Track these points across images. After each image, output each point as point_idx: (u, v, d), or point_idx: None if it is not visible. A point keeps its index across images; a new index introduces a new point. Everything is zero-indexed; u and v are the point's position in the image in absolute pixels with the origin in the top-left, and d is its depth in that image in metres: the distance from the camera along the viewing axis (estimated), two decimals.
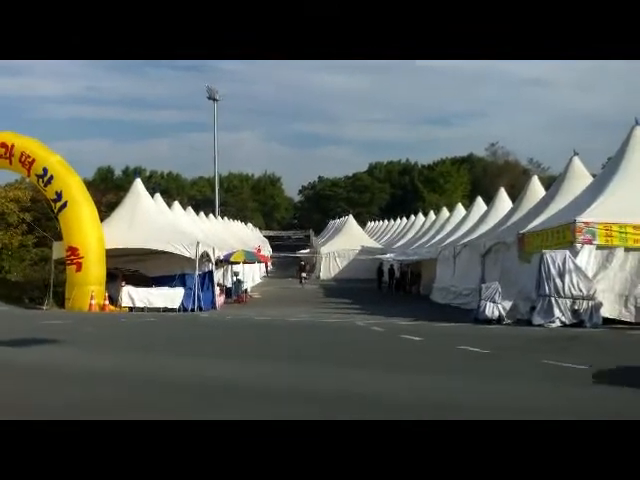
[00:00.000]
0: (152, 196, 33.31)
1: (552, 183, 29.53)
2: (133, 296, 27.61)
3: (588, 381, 9.74)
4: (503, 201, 33.98)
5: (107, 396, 8.51)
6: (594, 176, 25.17)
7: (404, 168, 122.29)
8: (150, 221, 29.24)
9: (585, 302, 18.99)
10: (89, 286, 26.57)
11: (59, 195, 27.18)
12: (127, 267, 29.42)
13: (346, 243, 58.96)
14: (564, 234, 20.39)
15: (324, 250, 60.10)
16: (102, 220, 28.95)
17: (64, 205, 27.12)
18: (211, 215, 56.29)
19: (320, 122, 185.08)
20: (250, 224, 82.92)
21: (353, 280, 50.58)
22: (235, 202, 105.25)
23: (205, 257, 29.87)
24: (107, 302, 26.95)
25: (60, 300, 27.21)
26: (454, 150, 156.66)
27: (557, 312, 18.99)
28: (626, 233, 19.56)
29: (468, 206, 44.48)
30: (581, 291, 18.98)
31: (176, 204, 40.93)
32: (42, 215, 34.75)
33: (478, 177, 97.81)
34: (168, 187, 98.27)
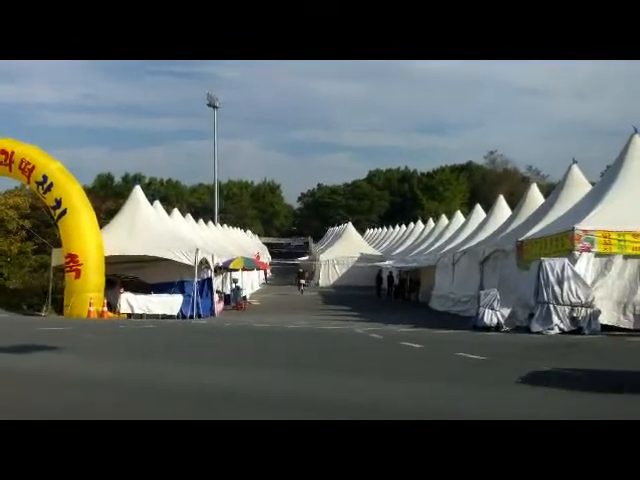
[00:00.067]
0: (151, 203, 33.34)
1: (551, 191, 29.61)
2: (132, 303, 27.60)
3: (587, 387, 9.74)
4: (502, 209, 34.03)
5: (106, 402, 8.51)
6: (593, 184, 25.22)
7: (403, 176, 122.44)
8: (149, 228, 29.26)
9: (583, 309, 19.00)
10: (88, 293, 26.56)
11: (59, 202, 27.19)
12: (126, 274, 29.41)
13: (345, 250, 58.97)
14: (563, 242, 20.42)
15: (323, 257, 60.12)
16: (101, 227, 28.96)
17: (64, 212, 27.13)
18: (210, 222, 56.33)
19: (319, 130, 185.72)
20: (249, 231, 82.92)
21: (352, 287, 50.56)
22: (234, 209, 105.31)
23: (204, 264, 29.88)
24: (106, 309, 26.93)
25: (59, 307, 27.19)
26: (453, 158, 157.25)
27: (556, 319, 19.00)
28: (625, 241, 19.60)
29: (467, 214, 44.53)
30: (579, 298, 18.99)
31: (175, 211, 40.97)
32: (41, 222, 34.74)
33: (477, 185, 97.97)
34: (167, 194, 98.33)
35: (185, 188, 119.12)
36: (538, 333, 18.69)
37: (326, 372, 11.81)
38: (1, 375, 10.87)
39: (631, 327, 19.04)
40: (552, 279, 19.14)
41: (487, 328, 20.48)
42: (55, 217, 27.74)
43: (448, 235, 41.13)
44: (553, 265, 19.24)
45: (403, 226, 72.23)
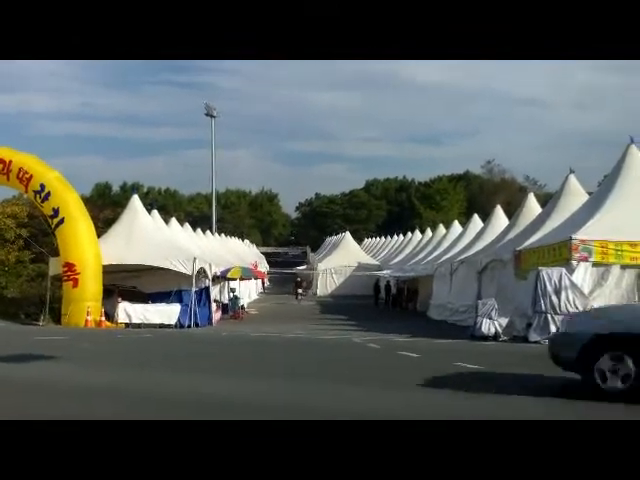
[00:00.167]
0: (149, 212, 33.34)
1: (548, 200, 29.66)
2: (129, 312, 27.55)
3: (586, 397, 9.75)
4: (499, 218, 34.07)
5: (104, 412, 8.49)
6: (590, 194, 25.27)
7: (401, 185, 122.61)
8: (147, 237, 29.24)
9: None
10: (85, 302, 26.53)
11: (56, 211, 27.20)
12: (124, 283, 29.38)
13: (343, 259, 58.99)
14: (560, 251, 20.45)
15: (321, 266, 60.11)
16: (99, 236, 28.96)
17: (61, 221, 27.13)
18: (208, 231, 56.30)
19: (316, 140, 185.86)
20: (247, 240, 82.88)
21: (350, 296, 50.52)
22: (232, 219, 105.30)
23: (202, 273, 29.86)
24: (103, 318, 26.89)
25: (56, 316, 27.14)
26: (450, 167, 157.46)
27: (553, 329, 18.97)
28: (622, 251, 19.63)
29: (465, 223, 44.56)
30: (577, 308, 18.98)
31: (173, 220, 40.98)
32: (39, 231, 34.70)
33: (474, 194, 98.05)
34: (165, 203, 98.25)
35: (183, 197, 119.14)
36: (536, 342, 18.67)
37: (323, 382, 11.79)
38: None
39: None
40: (550, 289, 19.16)
41: (485, 338, 20.48)
42: (53, 226, 27.74)
43: (446, 244, 41.16)
44: (551, 275, 19.26)
45: (401, 235, 72.25)
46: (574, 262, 19.64)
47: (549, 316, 19.09)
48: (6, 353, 14.62)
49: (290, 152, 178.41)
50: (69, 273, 26.72)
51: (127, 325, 27.25)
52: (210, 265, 30.85)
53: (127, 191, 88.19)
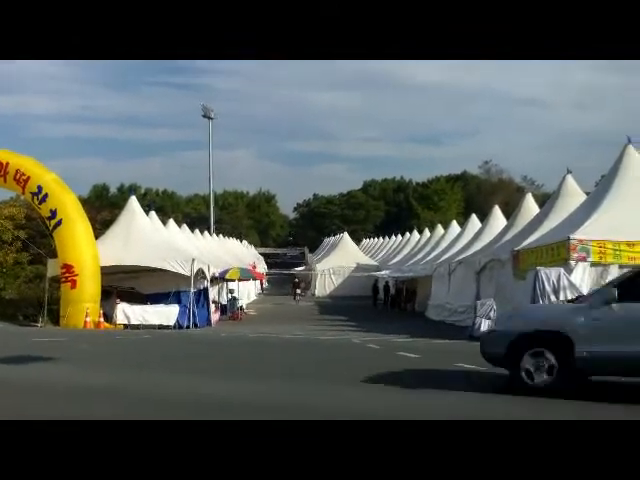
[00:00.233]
0: (147, 214, 33.34)
1: (546, 201, 29.67)
2: (128, 313, 27.54)
3: (582, 396, 9.77)
4: (497, 218, 34.08)
5: (103, 413, 8.48)
6: (588, 194, 25.30)
7: (399, 186, 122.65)
8: (145, 239, 29.23)
9: None
10: (84, 303, 26.51)
11: (54, 213, 27.19)
12: (122, 284, 29.36)
13: (341, 260, 59.01)
14: (558, 251, 20.46)
15: (319, 267, 60.12)
16: (97, 237, 28.95)
17: (59, 223, 27.12)
18: (206, 232, 56.32)
19: (314, 140, 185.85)
20: (245, 241, 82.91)
21: (348, 297, 50.52)
22: (230, 219, 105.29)
23: (200, 274, 29.85)
24: (102, 319, 26.88)
25: (55, 317, 27.13)
26: (448, 168, 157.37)
27: None
28: (620, 250, 19.64)
29: (463, 223, 44.59)
30: None
31: (171, 222, 40.96)
32: (37, 232, 34.68)
33: (472, 195, 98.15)
34: (163, 205, 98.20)
35: (181, 198, 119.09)
36: None
37: (322, 382, 11.80)
38: None
39: None
40: (548, 289, 19.16)
41: None
42: (50, 228, 27.73)
43: (444, 245, 41.17)
44: (549, 275, 19.27)
45: (399, 236, 72.27)
46: (572, 262, 19.65)
47: None
48: (4, 354, 14.61)
49: (288, 152, 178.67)
50: (67, 274, 26.71)
51: (126, 326, 27.23)
52: (208, 266, 30.85)
53: (125, 192, 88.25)
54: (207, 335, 24.75)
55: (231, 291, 36.99)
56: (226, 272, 34.21)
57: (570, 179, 26.30)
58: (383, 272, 50.02)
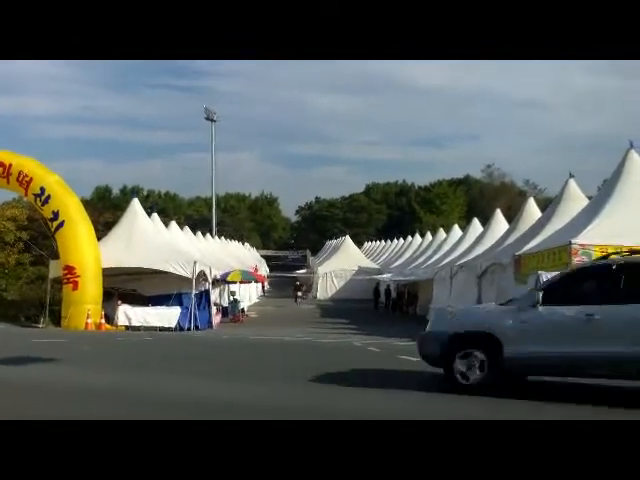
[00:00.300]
0: (149, 216, 33.36)
1: (548, 205, 29.66)
2: (129, 315, 27.57)
3: (583, 399, 9.77)
4: (499, 222, 34.07)
5: (104, 414, 8.48)
6: (590, 198, 25.29)
7: (401, 189, 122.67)
8: (147, 240, 29.25)
9: None
10: (85, 305, 26.53)
11: (56, 214, 27.22)
12: (124, 286, 29.39)
13: (343, 263, 59.00)
14: (560, 256, 20.42)
15: (321, 270, 60.11)
16: (99, 239, 28.97)
17: (61, 224, 27.15)
18: (208, 235, 56.31)
19: (316, 143, 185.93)
20: (247, 244, 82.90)
21: (350, 300, 50.51)
22: (232, 222, 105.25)
23: (202, 276, 29.86)
24: (103, 321, 26.90)
25: (56, 319, 27.15)
26: (450, 171, 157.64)
27: None
28: None
29: (464, 227, 44.59)
30: None
31: (173, 224, 40.96)
32: (39, 234, 34.70)
33: (474, 198, 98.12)
34: (165, 207, 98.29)
35: (183, 201, 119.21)
36: None
37: (323, 385, 11.79)
38: None
39: None
40: None
41: None
42: (52, 229, 27.77)
43: (446, 248, 41.16)
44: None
45: (401, 239, 72.26)
46: None
47: None
48: (5, 355, 14.63)
49: (290, 155, 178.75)
50: (69, 276, 26.73)
51: (127, 328, 27.25)
52: (210, 268, 30.85)
53: (127, 194, 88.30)
54: (208, 337, 24.75)
55: (232, 293, 37.01)
56: (228, 274, 34.21)
57: (572, 183, 26.27)
58: (385, 275, 49.99)
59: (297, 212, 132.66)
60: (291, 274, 68.05)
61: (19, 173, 27.30)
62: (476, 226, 39.13)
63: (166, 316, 27.75)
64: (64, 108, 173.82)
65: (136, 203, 31.90)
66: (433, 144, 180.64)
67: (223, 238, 66.15)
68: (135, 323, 27.39)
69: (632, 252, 11.32)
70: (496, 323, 10.50)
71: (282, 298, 55.40)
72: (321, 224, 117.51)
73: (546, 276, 19.30)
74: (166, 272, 28.09)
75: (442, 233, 49.35)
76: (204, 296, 29.45)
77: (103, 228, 35.04)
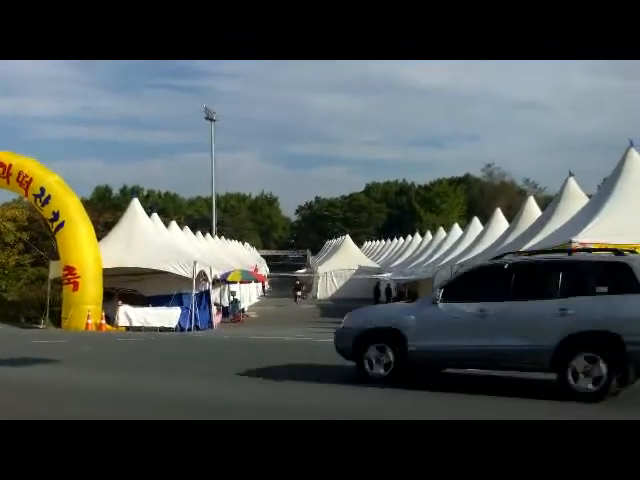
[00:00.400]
0: (149, 216, 33.35)
1: (548, 203, 29.67)
2: (130, 315, 27.55)
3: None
4: (499, 221, 34.10)
5: (104, 414, 8.48)
6: (590, 197, 25.29)
7: (401, 188, 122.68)
8: (147, 241, 29.23)
9: None
10: (86, 305, 26.51)
11: (56, 215, 27.19)
12: (124, 286, 29.37)
13: (343, 263, 58.95)
14: None
15: (321, 270, 60.08)
16: (99, 239, 28.95)
17: (61, 225, 27.12)
18: (208, 235, 56.30)
19: (316, 143, 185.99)
20: (247, 244, 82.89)
21: (350, 300, 50.39)
22: (232, 222, 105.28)
23: (202, 276, 29.85)
24: (104, 321, 26.89)
25: (57, 319, 27.12)
26: (450, 171, 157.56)
27: None
28: None
29: (465, 226, 44.60)
30: None
31: (173, 224, 40.97)
32: (39, 234, 34.71)
33: (475, 198, 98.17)
34: (165, 207, 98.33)
35: (183, 201, 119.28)
36: None
37: (324, 384, 11.79)
38: None
39: None
40: None
41: None
42: (53, 229, 27.75)
43: (446, 247, 41.20)
44: None
45: (401, 239, 72.32)
46: None
47: None
48: (5, 356, 14.62)
49: (290, 155, 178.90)
50: (69, 276, 26.71)
51: (128, 328, 27.24)
52: (210, 268, 30.83)
53: (127, 194, 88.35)
54: (209, 337, 24.74)
55: (233, 293, 37.01)
56: (228, 274, 34.22)
57: (572, 182, 26.30)
58: (385, 275, 50.00)
59: (297, 212, 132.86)
60: (291, 274, 68.01)
61: (19, 173, 27.28)
62: (476, 225, 39.16)
63: (166, 316, 27.74)
64: (64, 109, 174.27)
65: (136, 203, 31.88)
66: (433, 144, 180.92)
67: (223, 238, 66.14)
68: (136, 323, 27.38)
69: (530, 253, 12.29)
70: (401, 319, 11.22)
71: (282, 298, 55.39)
72: (321, 224, 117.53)
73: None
74: (166, 272, 28.07)
75: (442, 232, 49.39)
76: (204, 296, 29.45)
77: (103, 228, 35.04)
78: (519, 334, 10.08)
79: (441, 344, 10.69)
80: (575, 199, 25.17)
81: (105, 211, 47.89)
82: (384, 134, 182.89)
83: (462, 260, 31.72)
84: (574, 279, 10.20)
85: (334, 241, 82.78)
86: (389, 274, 49.16)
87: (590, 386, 9.51)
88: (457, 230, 44.89)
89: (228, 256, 48.47)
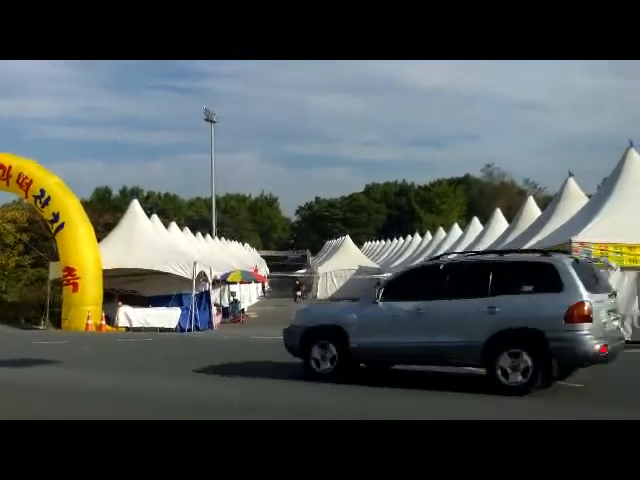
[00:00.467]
0: (149, 217, 33.35)
1: (548, 204, 29.67)
2: (130, 316, 27.55)
3: (583, 398, 9.78)
4: (499, 221, 34.10)
5: (104, 414, 8.48)
6: (589, 197, 25.29)
7: (400, 189, 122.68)
8: (147, 242, 29.23)
9: None
10: (86, 306, 26.51)
11: (56, 216, 27.19)
12: (124, 287, 29.37)
13: (343, 263, 58.89)
14: None
15: (321, 270, 60.03)
16: (99, 241, 28.94)
17: (61, 226, 27.12)
18: (208, 235, 56.31)
19: (316, 143, 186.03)
20: (247, 244, 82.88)
21: (350, 300, 50.45)
22: (232, 223, 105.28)
23: (202, 277, 29.85)
24: (104, 322, 26.89)
25: (57, 320, 27.11)
26: (450, 171, 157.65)
27: None
28: (622, 253, 19.59)
29: (464, 226, 44.61)
30: None
31: (173, 225, 40.95)
32: (39, 235, 34.72)
33: (474, 198, 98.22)
34: (165, 208, 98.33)
35: (183, 202, 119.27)
36: None
37: (324, 384, 11.80)
38: None
39: (629, 339, 19.00)
40: None
41: None
42: (53, 231, 27.75)
43: (446, 248, 41.08)
44: None
45: (401, 239, 72.27)
46: None
47: None
48: (6, 357, 14.63)
49: (290, 155, 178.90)
50: (69, 277, 26.71)
51: (128, 329, 27.24)
52: (210, 269, 30.83)
53: (127, 195, 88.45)
54: (209, 338, 24.74)
55: (233, 294, 37.01)
56: (228, 275, 34.22)
57: (572, 182, 26.29)
58: (385, 275, 49.95)
59: (297, 212, 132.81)
60: (291, 274, 67.98)
61: (19, 175, 27.28)
62: (476, 225, 39.18)
63: (166, 317, 27.74)
64: (64, 109, 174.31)
65: (136, 204, 31.89)
66: (433, 144, 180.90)
67: (223, 239, 66.14)
68: (136, 324, 27.37)
69: (465, 254, 12.93)
70: (344, 317, 11.75)
71: (282, 298, 55.35)
72: (321, 224, 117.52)
73: None
74: (166, 273, 28.08)
75: (442, 232, 49.41)
76: (204, 297, 29.44)
77: (103, 229, 35.05)
78: (453, 331, 10.56)
79: (380, 341, 11.17)
80: (575, 199, 25.16)
81: (105, 212, 47.91)
82: (384, 134, 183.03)
83: None
84: (503, 279, 10.63)
85: (334, 241, 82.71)
86: (389, 274, 49.12)
87: (517, 380, 9.98)
88: (457, 230, 44.92)
89: (228, 257, 48.46)
